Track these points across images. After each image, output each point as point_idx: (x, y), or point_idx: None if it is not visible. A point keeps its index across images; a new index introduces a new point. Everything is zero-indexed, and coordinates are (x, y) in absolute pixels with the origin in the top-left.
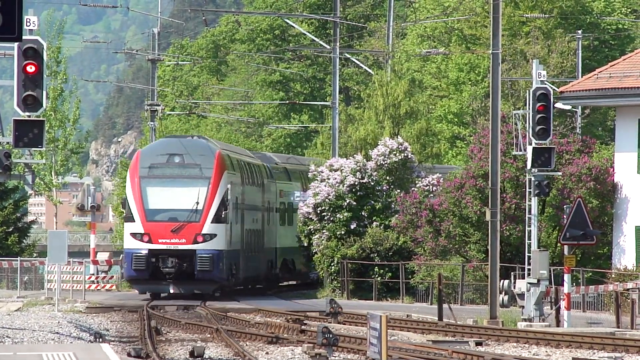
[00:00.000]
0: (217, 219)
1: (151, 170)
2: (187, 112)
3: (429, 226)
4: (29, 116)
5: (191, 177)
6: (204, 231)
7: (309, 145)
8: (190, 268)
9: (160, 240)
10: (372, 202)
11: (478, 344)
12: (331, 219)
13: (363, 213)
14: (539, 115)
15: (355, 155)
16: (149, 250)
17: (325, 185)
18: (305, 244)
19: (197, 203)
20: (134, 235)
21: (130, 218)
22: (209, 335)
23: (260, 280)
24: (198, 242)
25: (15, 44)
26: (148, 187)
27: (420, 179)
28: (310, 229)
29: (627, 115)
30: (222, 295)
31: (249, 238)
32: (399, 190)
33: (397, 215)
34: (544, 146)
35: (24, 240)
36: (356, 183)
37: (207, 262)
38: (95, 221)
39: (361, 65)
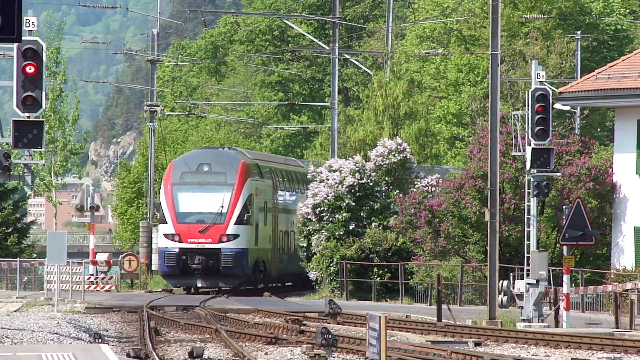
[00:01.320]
0: (240, 221)
1: (182, 177)
2: (187, 112)
3: (428, 227)
4: (29, 117)
5: (217, 184)
6: (228, 232)
7: (308, 146)
8: (216, 264)
9: (189, 240)
10: (371, 202)
11: (477, 344)
12: (330, 219)
13: (362, 214)
14: (538, 116)
15: (354, 156)
16: (180, 248)
17: (324, 186)
18: (305, 245)
19: (222, 207)
20: (166, 235)
21: (163, 220)
22: (208, 336)
23: (294, 278)
24: (223, 242)
25: (15, 45)
26: (179, 192)
27: (419, 179)
28: (309, 230)
29: (626, 115)
30: (250, 290)
31: (281, 238)
32: (398, 191)
33: (396, 216)
34: (543, 147)
35: (24, 241)
36: (355, 184)
37: (230, 259)
38: (94, 222)
39: (360, 66)
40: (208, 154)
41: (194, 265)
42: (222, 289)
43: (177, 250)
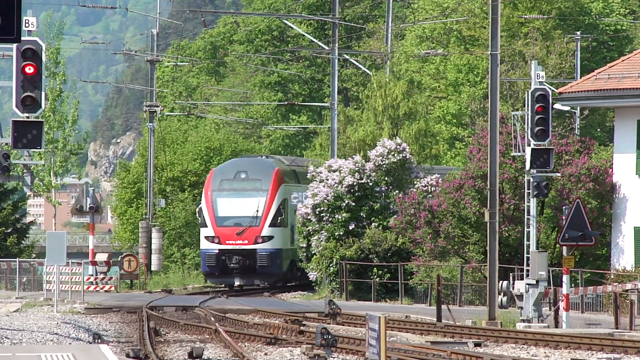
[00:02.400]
0: (274, 224)
1: (221, 184)
2: (186, 113)
3: (428, 227)
4: (28, 117)
5: (253, 190)
6: (263, 234)
7: (308, 147)
8: (252, 264)
9: (227, 242)
10: (371, 202)
11: (477, 344)
12: (330, 219)
13: (362, 214)
14: (538, 116)
15: (354, 156)
16: (219, 250)
17: (324, 186)
18: (304, 245)
19: (257, 211)
20: (207, 238)
21: (204, 224)
22: (207, 336)
23: None
24: (258, 243)
25: (14, 45)
26: (218, 198)
27: (419, 179)
28: (309, 230)
29: (626, 116)
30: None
31: None
32: (397, 191)
33: (395, 216)
34: (542, 147)
35: (23, 241)
36: (355, 184)
37: (265, 259)
38: (93, 222)
39: (360, 66)
40: (245, 162)
41: (232, 265)
42: (259, 286)
43: (216, 251)
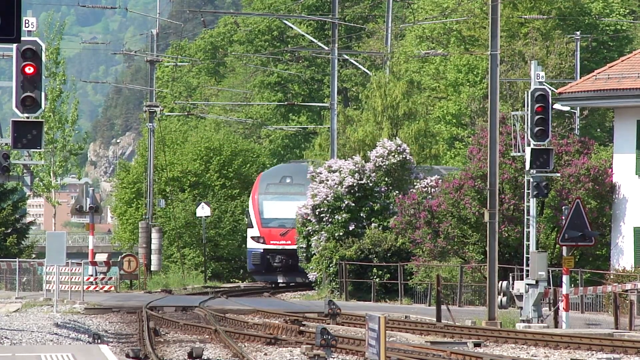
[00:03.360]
0: None
1: (267, 188)
2: (186, 113)
3: (428, 227)
4: (28, 117)
5: (296, 194)
6: None
7: (308, 147)
8: (294, 263)
9: (272, 242)
10: (371, 203)
11: (476, 345)
12: (330, 220)
13: (361, 214)
14: (538, 117)
15: (353, 157)
16: (264, 249)
17: (323, 187)
18: (304, 245)
19: None
20: (253, 238)
21: (250, 225)
22: (207, 336)
23: None
24: None
25: (14, 45)
26: (264, 201)
27: (418, 180)
28: (308, 230)
29: (626, 116)
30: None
31: None
32: (397, 192)
33: (395, 217)
34: (542, 147)
35: (23, 242)
36: (355, 184)
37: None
38: (93, 222)
39: (359, 66)
40: (291, 167)
41: (276, 264)
42: (301, 283)
43: (261, 250)
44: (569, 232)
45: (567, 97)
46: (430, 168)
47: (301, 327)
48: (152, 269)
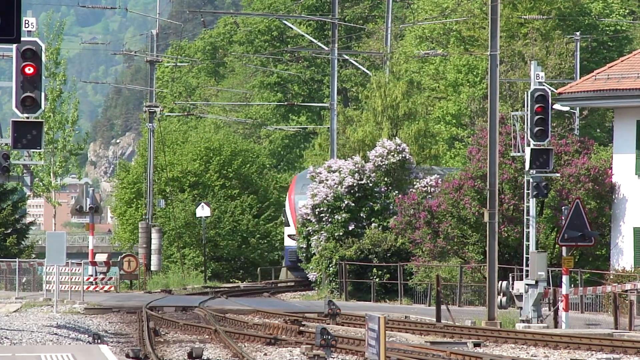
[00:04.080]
0: None
1: (302, 188)
2: (186, 113)
3: (427, 227)
4: (28, 117)
5: None
6: None
7: (307, 147)
8: None
9: None
10: (371, 203)
11: (476, 345)
12: (329, 220)
13: (361, 214)
14: (537, 117)
15: (353, 157)
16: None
17: (323, 187)
18: (304, 245)
19: None
20: (289, 236)
21: (287, 223)
22: (207, 336)
23: None
24: None
25: (14, 46)
26: (300, 201)
27: (418, 180)
28: (308, 230)
29: (625, 116)
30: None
31: None
32: (397, 192)
33: (395, 217)
34: (542, 147)
35: (23, 242)
36: (354, 184)
37: None
38: (93, 222)
39: (359, 66)
40: None
41: None
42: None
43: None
44: (568, 232)
45: (566, 97)
46: (429, 169)
47: (301, 327)
48: (152, 269)
